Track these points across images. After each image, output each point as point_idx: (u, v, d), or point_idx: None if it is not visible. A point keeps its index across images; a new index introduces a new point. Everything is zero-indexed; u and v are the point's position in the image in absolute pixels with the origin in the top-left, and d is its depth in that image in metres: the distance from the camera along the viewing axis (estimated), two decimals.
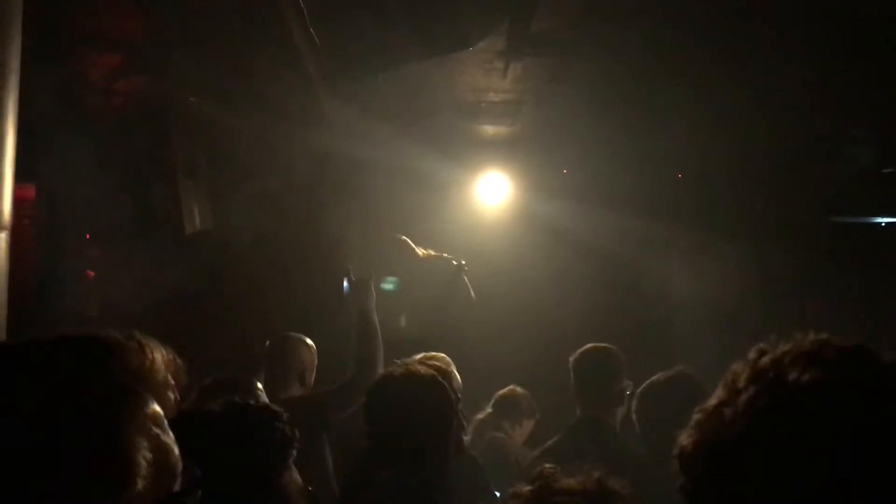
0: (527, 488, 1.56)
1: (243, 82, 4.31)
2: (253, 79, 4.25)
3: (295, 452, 2.11)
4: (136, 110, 4.35)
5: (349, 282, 3.98)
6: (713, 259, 5.74)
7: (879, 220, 6.39)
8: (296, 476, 2.15)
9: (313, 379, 3.72)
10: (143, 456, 1.09)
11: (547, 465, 1.60)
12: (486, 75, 4.77)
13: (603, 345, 3.36)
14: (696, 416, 1.01)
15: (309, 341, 3.74)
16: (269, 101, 4.44)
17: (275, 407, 2.14)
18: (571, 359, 3.35)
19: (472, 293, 5.00)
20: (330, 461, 3.49)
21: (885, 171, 5.89)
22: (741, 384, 0.96)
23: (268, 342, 3.77)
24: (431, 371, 2.43)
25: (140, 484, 1.07)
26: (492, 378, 4.56)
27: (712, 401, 1.00)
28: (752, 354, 0.98)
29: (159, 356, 1.23)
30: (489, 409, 4.38)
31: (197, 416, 1.96)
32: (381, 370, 3.36)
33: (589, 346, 3.36)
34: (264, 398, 2.91)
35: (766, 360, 0.96)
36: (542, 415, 4.53)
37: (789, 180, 6.00)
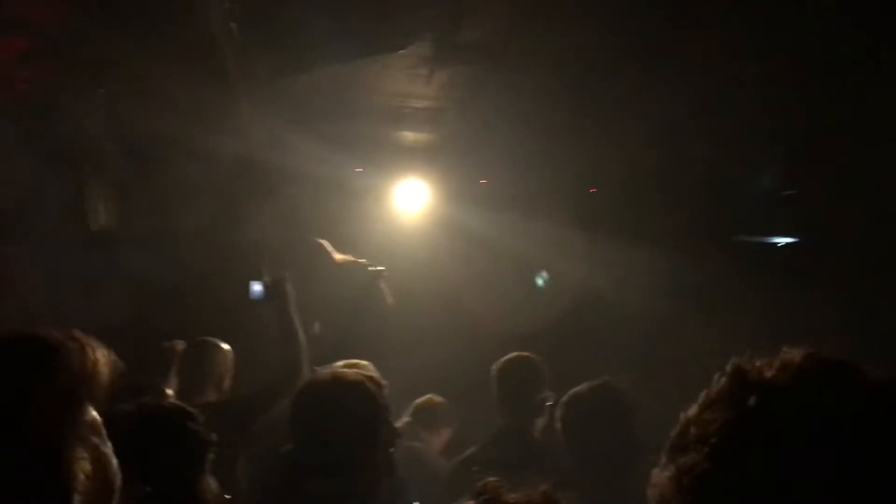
0: (471, 502, 1.49)
1: (156, 76, 4.13)
2: (167, 73, 4.08)
3: (212, 457, 2.01)
4: (40, 100, 4.11)
5: (263, 285, 3.85)
6: (631, 268, 5.88)
7: (777, 240, 6.69)
8: (212, 482, 2.06)
9: (230, 385, 3.60)
10: (83, 468, 1.00)
11: (491, 479, 1.54)
12: (410, 81, 4.73)
13: (525, 354, 3.38)
14: (669, 445, 0.94)
15: (225, 346, 3.61)
16: (183, 98, 4.27)
17: (189, 409, 2.05)
18: (494, 368, 3.35)
19: (389, 299, 4.96)
20: (244, 468, 3.36)
21: (784, 193, 6.17)
22: (720, 408, 0.89)
23: (180, 347, 3.62)
24: (360, 376, 2.35)
25: (78, 499, 0.98)
26: (409, 386, 4.50)
27: (687, 424, 0.92)
28: (729, 371, 0.91)
29: (101, 356, 1.10)
30: (407, 418, 4.32)
31: (107, 418, 1.84)
32: (305, 373, 3.28)
33: (512, 355, 3.37)
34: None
35: (747, 377, 0.89)
36: (460, 424, 4.51)
37: (703, 198, 6.21)
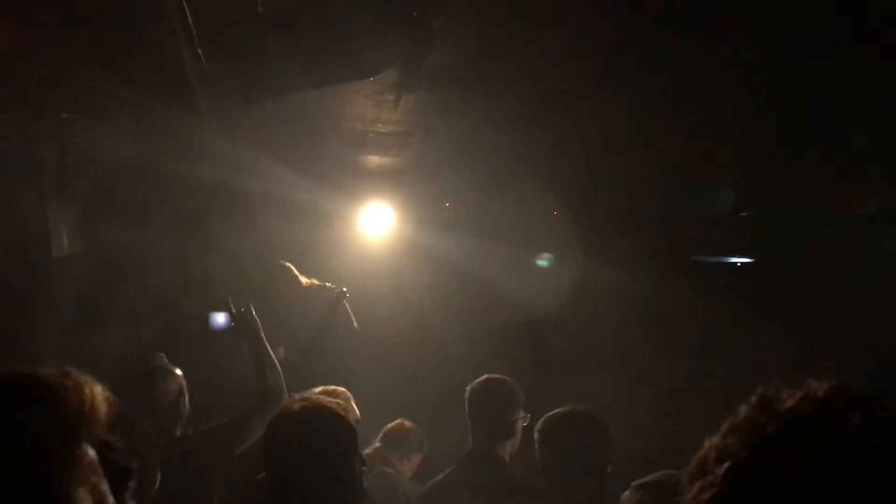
0: None
1: (123, 101, 4.10)
2: (133, 98, 4.06)
3: (132, 486, 1.95)
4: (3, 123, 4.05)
5: (228, 315, 3.82)
6: (593, 290, 5.97)
7: (735, 259, 6.85)
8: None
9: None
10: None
11: None
12: (376, 106, 4.77)
13: (498, 376, 3.40)
14: (691, 469, 0.96)
15: (177, 371, 3.53)
16: (149, 123, 4.25)
17: (107, 439, 1.98)
18: (467, 389, 3.38)
19: (354, 321, 4.97)
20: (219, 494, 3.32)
21: (742, 214, 6.32)
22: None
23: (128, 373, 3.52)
24: (333, 406, 2.33)
25: None
26: (378, 411, 4.50)
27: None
28: (753, 399, 0.92)
29: (98, 393, 1.08)
30: (377, 444, 4.32)
31: None
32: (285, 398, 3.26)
33: (484, 377, 3.39)
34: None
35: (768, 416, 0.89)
36: (430, 448, 4.52)
37: (659, 220, 6.34)
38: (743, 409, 0.91)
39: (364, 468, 2.56)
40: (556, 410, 2.83)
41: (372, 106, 4.75)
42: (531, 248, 6.32)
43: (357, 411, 3.27)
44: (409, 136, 5.37)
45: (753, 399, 0.91)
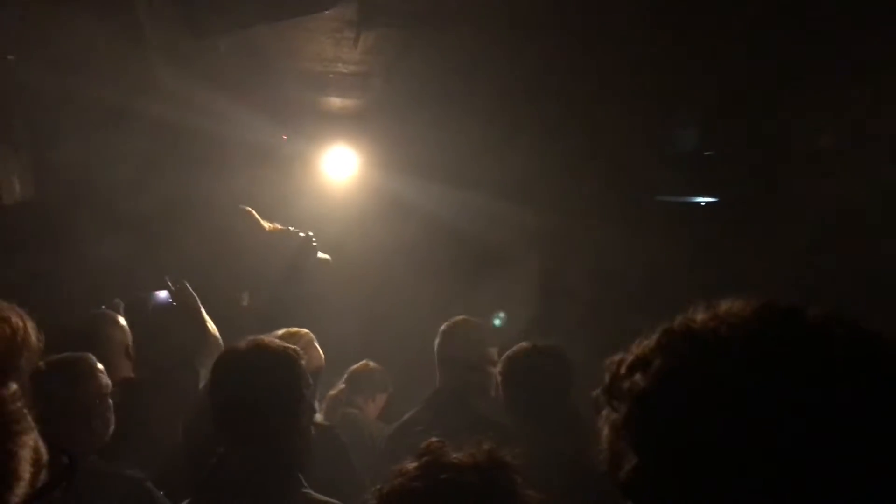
0: (412, 464, 1.48)
1: (67, 40, 3.94)
2: (78, 37, 3.90)
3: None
4: None
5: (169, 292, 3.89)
6: (554, 236, 5.98)
7: (699, 199, 6.88)
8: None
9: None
10: (30, 440, 0.95)
11: (433, 439, 1.53)
12: (335, 45, 4.64)
13: (467, 317, 3.42)
14: (605, 391, 0.93)
15: (121, 320, 3.48)
16: (96, 63, 4.10)
17: None
18: (440, 330, 3.38)
19: (321, 266, 4.91)
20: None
21: (706, 153, 6.33)
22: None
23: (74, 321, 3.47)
24: (281, 344, 2.31)
25: (28, 473, 0.93)
26: (341, 353, 4.49)
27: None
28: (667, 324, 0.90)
29: (31, 325, 1.02)
30: (342, 385, 4.32)
31: None
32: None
33: (454, 318, 3.41)
34: (106, 379, 2.70)
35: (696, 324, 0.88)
36: (395, 389, 4.53)
37: (621, 162, 6.32)
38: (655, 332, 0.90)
39: (314, 415, 2.55)
40: (515, 346, 2.82)
41: (331, 44, 4.62)
42: (496, 194, 6.28)
43: (321, 353, 3.25)
44: (371, 77, 5.25)
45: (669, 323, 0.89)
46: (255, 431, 2.18)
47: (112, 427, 2.70)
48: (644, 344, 0.91)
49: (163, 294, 4.07)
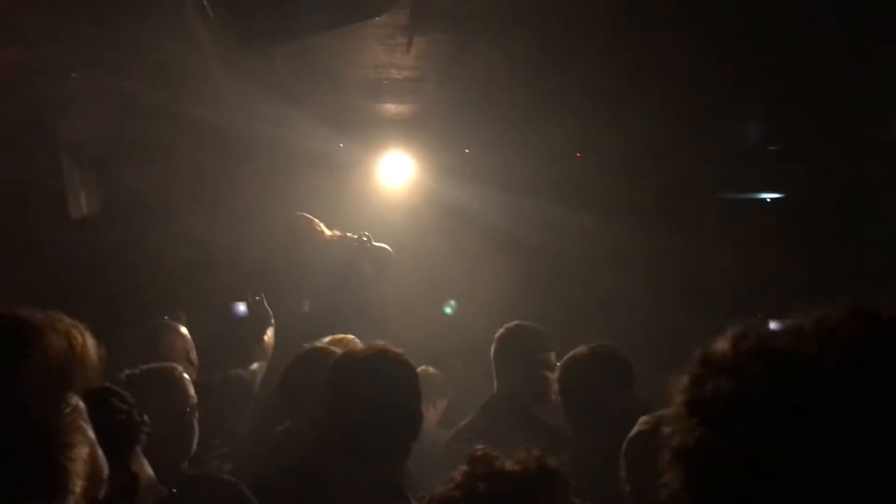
0: (460, 472, 1.45)
1: (131, 56, 4.05)
2: (141, 52, 4.00)
3: (144, 438, 1.91)
4: (11, 87, 4.02)
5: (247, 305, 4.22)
6: (613, 239, 5.87)
7: (765, 195, 6.68)
8: (146, 468, 1.95)
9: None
10: (82, 454, 0.94)
11: (479, 448, 1.50)
12: (388, 51, 4.66)
13: (525, 322, 3.38)
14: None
15: (183, 330, 3.57)
16: (157, 75, 4.19)
17: (116, 388, 1.95)
18: (496, 335, 3.36)
19: (378, 271, 4.93)
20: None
21: (770, 147, 6.14)
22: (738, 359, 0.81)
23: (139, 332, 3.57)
24: (398, 351, 2.22)
25: (80, 486, 0.93)
26: None
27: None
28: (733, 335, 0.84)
29: (88, 341, 1.04)
30: None
31: None
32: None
33: (513, 323, 3.37)
34: (191, 391, 2.75)
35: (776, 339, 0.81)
36: (455, 394, 4.51)
37: (680, 159, 6.18)
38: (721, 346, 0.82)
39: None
40: (575, 350, 2.76)
41: (384, 51, 4.64)
42: (552, 198, 6.20)
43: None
44: (425, 82, 5.25)
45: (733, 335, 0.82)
46: (375, 445, 2.09)
47: (197, 434, 2.74)
48: (721, 362, 0.83)
49: (241, 305, 4.25)
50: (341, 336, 3.20)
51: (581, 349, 2.76)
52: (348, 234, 4.90)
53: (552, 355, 3.31)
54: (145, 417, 1.83)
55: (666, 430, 0.86)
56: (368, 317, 4.30)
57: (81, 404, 1.03)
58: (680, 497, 0.81)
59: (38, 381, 0.94)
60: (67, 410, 0.97)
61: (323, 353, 2.88)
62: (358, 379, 2.12)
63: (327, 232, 4.93)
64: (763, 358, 0.79)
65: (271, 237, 4.96)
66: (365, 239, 4.71)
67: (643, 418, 2.20)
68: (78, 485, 0.94)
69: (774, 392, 0.76)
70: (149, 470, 1.83)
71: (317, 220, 4.87)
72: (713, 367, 0.82)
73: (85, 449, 0.97)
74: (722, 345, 0.83)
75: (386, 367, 2.14)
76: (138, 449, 1.82)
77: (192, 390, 2.75)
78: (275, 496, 2.43)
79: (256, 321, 4.08)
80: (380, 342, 2.24)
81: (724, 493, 0.77)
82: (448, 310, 5.42)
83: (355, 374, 2.14)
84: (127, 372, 2.67)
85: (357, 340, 3.22)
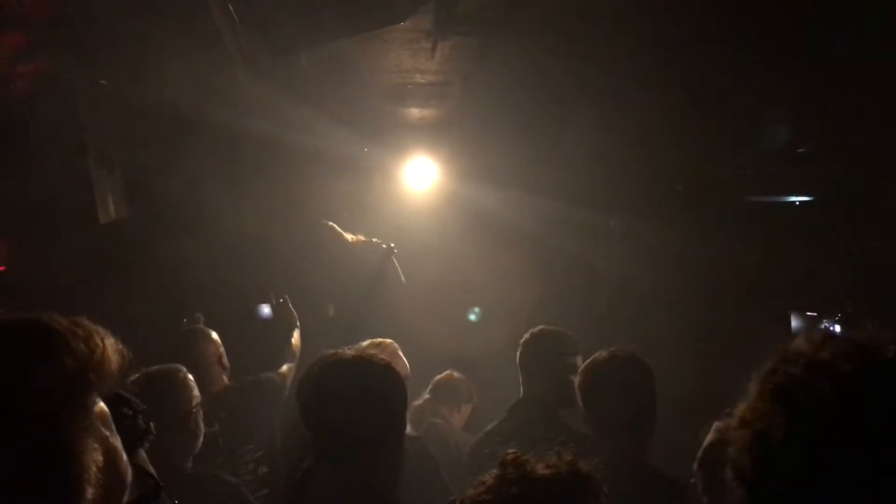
0: (492, 476, 1.44)
1: (158, 63, 4.09)
2: (168, 59, 4.04)
3: (147, 445, 1.91)
4: (41, 95, 4.08)
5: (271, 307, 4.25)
6: (639, 242, 5.83)
7: (794, 198, 6.59)
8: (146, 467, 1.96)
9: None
10: (94, 460, 0.93)
11: (510, 451, 1.48)
12: (412, 56, 4.66)
13: (551, 327, 3.36)
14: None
15: (213, 334, 3.60)
16: (185, 82, 4.23)
17: (127, 396, 1.96)
18: (522, 340, 3.34)
19: (402, 276, 4.95)
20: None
21: (799, 150, 6.06)
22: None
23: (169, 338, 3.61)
24: (384, 357, 2.21)
25: (90, 493, 0.91)
26: (425, 363, 4.48)
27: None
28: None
29: (109, 345, 1.03)
30: (427, 395, 4.31)
31: None
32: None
33: (539, 327, 3.36)
34: (196, 392, 2.77)
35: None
36: (480, 399, 4.50)
37: (706, 162, 6.12)
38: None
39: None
40: (596, 354, 2.73)
41: (408, 55, 4.65)
42: (578, 201, 6.18)
43: (406, 364, 3.25)
44: (449, 86, 5.25)
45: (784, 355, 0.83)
46: (353, 449, 2.04)
47: (202, 435, 2.76)
48: (813, 362, 0.84)
49: (265, 308, 4.31)
50: (380, 340, 3.20)
51: (601, 353, 2.73)
52: (374, 240, 4.92)
53: (578, 359, 3.29)
54: (151, 425, 1.82)
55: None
56: (396, 321, 4.31)
57: (104, 409, 1.03)
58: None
59: (52, 386, 0.94)
60: (82, 416, 0.97)
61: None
62: (336, 383, 2.10)
63: (350, 237, 4.96)
64: (857, 359, 0.81)
65: (296, 243, 5.00)
66: (392, 247, 4.74)
67: (717, 424, 2.16)
68: (89, 492, 0.93)
69: (870, 390, 0.79)
70: (149, 466, 1.84)
71: (338, 228, 4.90)
72: (804, 366, 0.84)
73: (98, 455, 0.96)
74: (809, 345, 0.85)
75: (369, 368, 2.11)
76: (142, 453, 1.83)
77: (196, 391, 2.76)
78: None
79: (283, 323, 4.10)
80: (361, 348, 2.25)
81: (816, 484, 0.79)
82: (472, 316, 5.41)
83: (338, 374, 2.11)
84: (134, 376, 2.69)
85: (394, 344, 3.22)
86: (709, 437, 2.15)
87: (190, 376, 2.80)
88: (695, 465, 2.13)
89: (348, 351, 2.21)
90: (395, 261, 4.87)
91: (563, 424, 3.16)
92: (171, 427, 2.59)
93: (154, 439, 2.47)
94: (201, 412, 2.77)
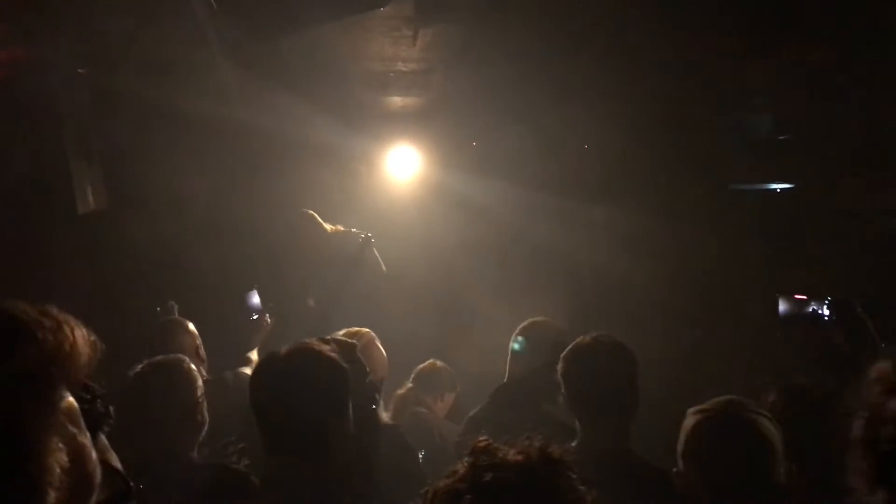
0: (463, 464, 1.44)
1: (136, 51, 4.04)
2: (146, 46, 3.99)
3: (106, 429, 1.89)
4: (17, 83, 4.02)
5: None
6: (623, 231, 5.84)
7: (775, 186, 6.62)
8: (113, 459, 1.94)
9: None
10: (58, 460, 0.88)
11: (481, 438, 1.48)
12: (394, 43, 4.63)
13: (544, 319, 3.37)
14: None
15: (191, 326, 3.58)
16: (164, 71, 4.18)
17: (87, 382, 1.93)
18: (517, 329, 3.35)
19: (382, 265, 4.94)
20: None
21: (780, 138, 6.08)
22: None
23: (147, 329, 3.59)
24: (325, 347, 2.19)
25: (53, 496, 0.87)
26: (408, 352, 4.47)
27: None
28: None
29: (80, 336, 0.98)
30: (409, 384, 4.30)
31: None
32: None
33: (531, 319, 3.37)
34: (200, 382, 2.75)
35: None
36: (462, 387, 4.49)
37: (688, 150, 6.13)
38: None
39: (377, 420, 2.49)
40: (579, 339, 2.73)
41: (390, 43, 4.61)
42: (561, 190, 6.17)
43: (384, 353, 3.24)
44: (431, 74, 5.22)
45: None
46: (297, 440, 2.07)
47: (206, 425, 2.75)
48: None
49: (255, 302, 4.22)
50: (356, 329, 3.19)
51: (584, 338, 2.72)
52: (352, 230, 4.90)
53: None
54: (111, 409, 1.80)
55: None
56: (376, 311, 4.29)
57: (72, 404, 0.98)
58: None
59: (11, 382, 0.88)
60: (46, 413, 0.92)
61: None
62: (271, 373, 2.15)
63: (329, 227, 4.94)
64: None
65: (275, 231, 4.98)
66: (370, 236, 4.73)
67: (692, 409, 2.16)
68: (51, 495, 0.88)
69: None
70: (115, 461, 1.81)
71: (317, 217, 4.88)
72: None
73: (63, 456, 0.91)
74: None
75: (298, 360, 2.13)
76: (102, 438, 1.80)
77: (200, 381, 2.75)
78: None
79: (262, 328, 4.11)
80: (304, 341, 2.23)
81: None
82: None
83: (269, 368, 2.17)
84: (138, 366, 2.68)
85: (371, 333, 3.21)
86: (688, 421, 2.15)
87: (193, 366, 2.78)
88: (679, 450, 2.14)
89: (288, 346, 2.21)
90: (374, 250, 4.86)
91: (544, 412, 3.17)
92: (176, 418, 2.60)
93: (159, 431, 2.48)
94: (206, 402, 2.76)
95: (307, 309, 4.72)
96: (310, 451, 2.06)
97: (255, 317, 4.18)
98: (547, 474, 1.36)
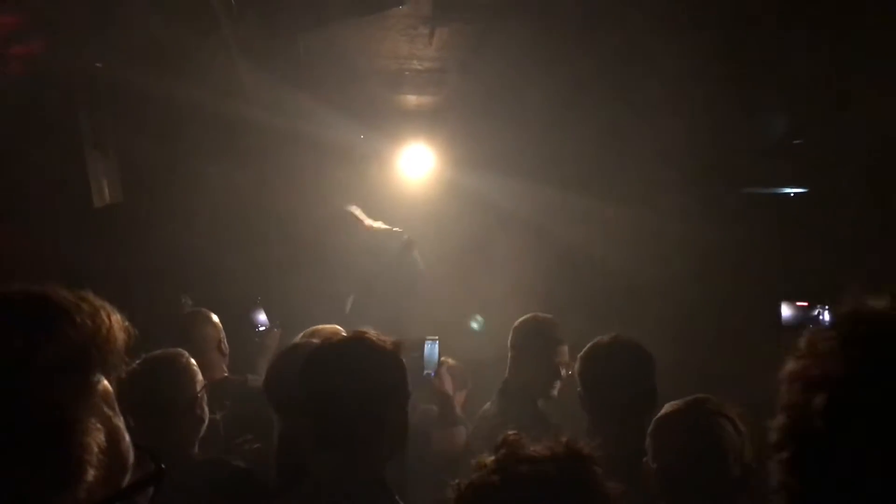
0: (490, 458, 1.44)
1: (153, 46, 4.05)
2: (163, 42, 4.00)
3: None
4: (34, 77, 4.04)
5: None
6: (636, 230, 5.82)
7: (789, 190, 6.59)
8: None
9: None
10: (96, 440, 0.91)
11: (510, 432, 1.49)
12: (409, 42, 4.64)
13: (541, 314, 3.37)
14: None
15: (215, 318, 3.58)
16: (181, 67, 4.20)
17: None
18: (514, 325, 3.35)
19: (422, 266, 4.87)
20: None
21: (795, 142, 6.06)
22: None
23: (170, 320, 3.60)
24: (384, 339, 2.09)
25: (91, 474, 0.89)
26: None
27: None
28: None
29: (116, 321, 1.00)
30: None
31: None
32: None
33: (529, 315, 3.36)
34: (199, 377, 2.75)
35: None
36: (475, 385, 4.49)
37: (704, 153, 6.11)
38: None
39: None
40: (598, 339, 2.73)
41: (406, 41, 4.62)
42: (576, 188, 6.16)
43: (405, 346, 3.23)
44: (447, 73, 5.23)
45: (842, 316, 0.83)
46: (352, 436, 1.98)
47: (206, 420, 2.74)
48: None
49: (262, 316, 4.30)
50: (322, 327, 3.10)
51: (603, 338, 2.72)
52: (395, 229, 4.82)
53: (564, 349, 3.30)
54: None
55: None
56: (415, 306, 4.27)
57: (108, 387, 1.01)
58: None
59: (53, 363, 0.91)
60: (85, 394, 0.94)
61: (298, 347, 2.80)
62: (325, 369, 2.05)
63: (370, 223, 4.83)
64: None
65: (302, 229, 4.92)
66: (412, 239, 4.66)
67: (670, 403, 2.19)
68: (90, 473, 0.91)
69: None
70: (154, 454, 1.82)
71: (361, 213, 4.78)
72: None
73: (101, 436, 0.94)
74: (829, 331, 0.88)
75: (357, 354, 2.05)
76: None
77: (199, 376, 2.74)
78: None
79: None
80: (361, 330, 2.13)
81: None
82: (475, 325, 5.38)
83: (325, 364, 2.07)
84: (136, 362, 2.68)
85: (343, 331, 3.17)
86: (663, 410, 2.20)
87: (192, 361, 2.78)
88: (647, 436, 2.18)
89: (347, 333, 2.18)
90: (415, 251, 4.75)
91: (540, 413, 3.18)
92: (175, 413, 2.59)
93: (159, 425, 2.48)
94: (206, 397, 2.75)
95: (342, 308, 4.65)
96: (361, 451, 1.98)
97: (261, 328, 4.18)
98: (579, 469, 1.38)
